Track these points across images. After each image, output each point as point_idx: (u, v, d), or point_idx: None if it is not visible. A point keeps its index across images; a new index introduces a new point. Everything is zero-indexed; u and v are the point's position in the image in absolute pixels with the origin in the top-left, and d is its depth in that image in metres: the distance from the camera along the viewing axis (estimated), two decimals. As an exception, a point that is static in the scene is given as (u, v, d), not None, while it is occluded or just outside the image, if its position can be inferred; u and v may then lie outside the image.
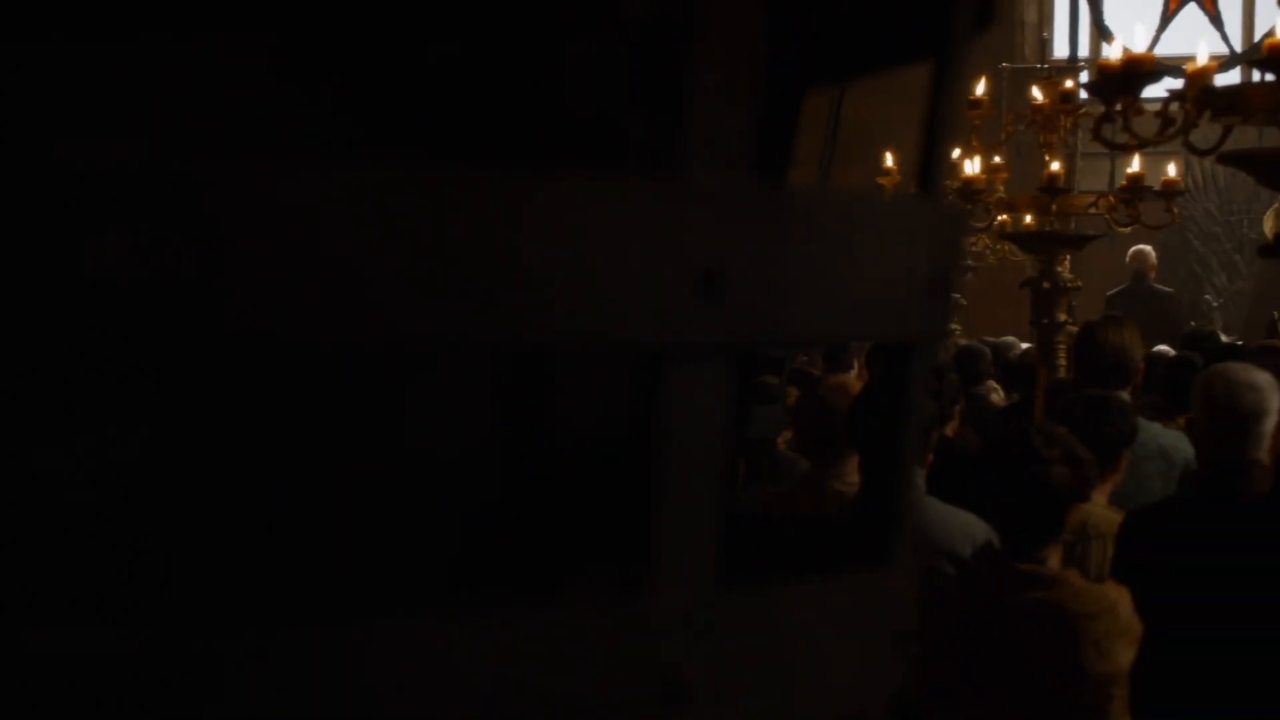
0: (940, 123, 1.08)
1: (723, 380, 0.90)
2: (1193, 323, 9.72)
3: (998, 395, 7.67)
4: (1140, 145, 4.10)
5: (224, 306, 0.58)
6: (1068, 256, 8.07)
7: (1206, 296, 13.43)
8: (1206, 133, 4.38)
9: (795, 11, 1.09)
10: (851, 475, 3.92)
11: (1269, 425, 3.40)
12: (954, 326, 10.43)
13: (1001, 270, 10.10)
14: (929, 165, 1.08)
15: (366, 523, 0.89)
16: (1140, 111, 4.17)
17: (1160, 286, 11.84)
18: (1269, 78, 3.79)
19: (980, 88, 6.98)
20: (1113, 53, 4.08)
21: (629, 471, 0.89)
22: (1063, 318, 6.91)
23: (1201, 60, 4.07)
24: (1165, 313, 11.11)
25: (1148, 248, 11.45)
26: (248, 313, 0.59)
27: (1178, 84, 4.24)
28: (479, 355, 0.85)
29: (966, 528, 3.53)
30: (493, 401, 0.94)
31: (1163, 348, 7.34)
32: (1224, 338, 8.62)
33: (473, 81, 0.93)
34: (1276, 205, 7.14)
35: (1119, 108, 3.87)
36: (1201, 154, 4.22)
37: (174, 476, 0.80)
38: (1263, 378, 3.49)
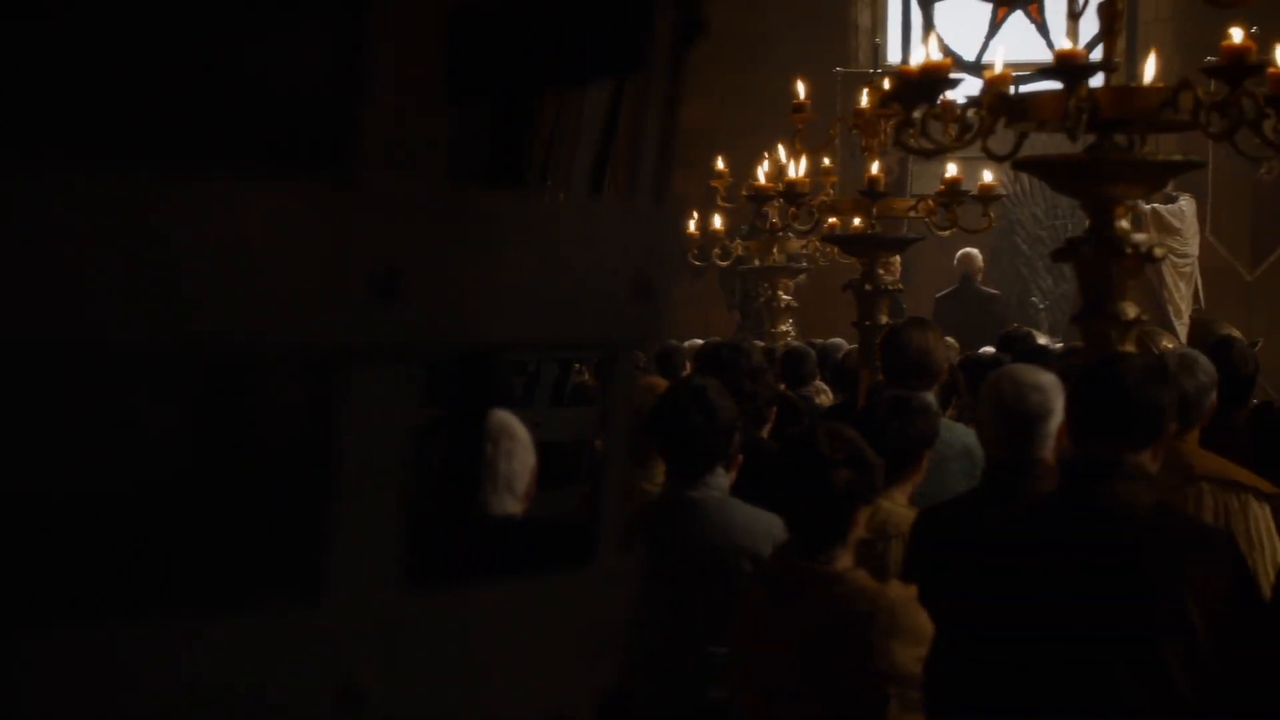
0: (647, 129, 1.09)
1: (403, 383, 0.90)
2: (1015, 324, 9.92)
3: (826, 396, 7.75)
4: (939, 150, 4.19)
5: None
6: (895, 259, 8.15)
7: (1033, 299, 13.69)
8: (1047, 140, 4.47)
9: (495, 22, 1.09)
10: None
11: (1053, 425, 3.47)
12: (786, 329, 10.53)
13: (832, 272, 10.21)
14: (634, 171, 1.09)
15: (41, 531, 0.88)
16: (951, 117, 4.25)
17: (987, 289, 12.08)
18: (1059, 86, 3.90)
19: (802, 91, 7.05)
20: (914, 59, 4.17)
21: (307, 477, 0.89)
22: (884, 319, 6.99)
23: (998, 68, 4.18)
24: (992, 314, 11.34)
25: (974, 251, 11.66)
26: None
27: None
28: (131, 359, 0.84)
29: (770, 530, 3.55)
30: (180, 408, 0.93)
31: (987, 349, 7.47)
32: (1044, 339, 8.79)
33: (150, 79, 0.92)
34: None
35: (916, 114, 3.95)
36: (1000, 159, 4.32)
37: None
38: (1047, 379, 3.56)
